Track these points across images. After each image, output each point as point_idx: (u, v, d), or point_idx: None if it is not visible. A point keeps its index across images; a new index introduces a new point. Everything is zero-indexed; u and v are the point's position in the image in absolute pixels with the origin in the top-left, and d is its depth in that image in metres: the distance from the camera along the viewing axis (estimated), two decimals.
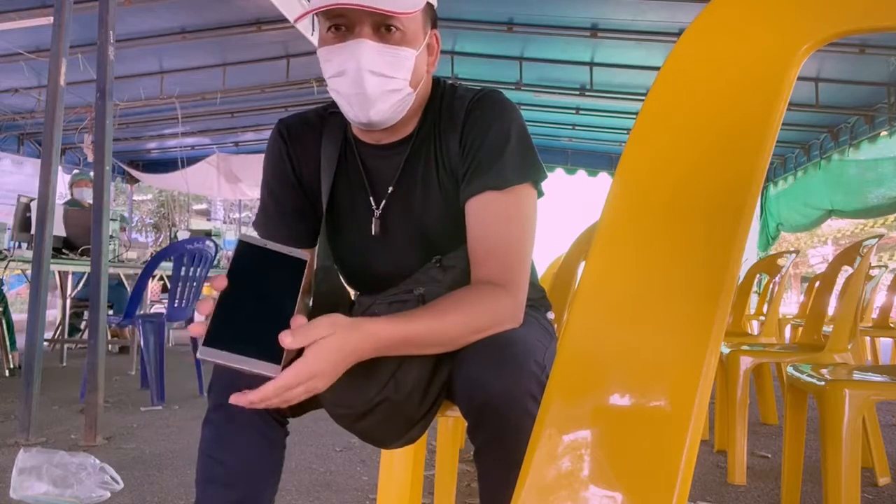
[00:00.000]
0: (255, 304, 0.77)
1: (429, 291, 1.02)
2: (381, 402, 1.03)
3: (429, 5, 1.03)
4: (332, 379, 0.83)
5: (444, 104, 1.08)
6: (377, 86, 0.97)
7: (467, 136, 1.04)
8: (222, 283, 0.76)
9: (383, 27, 0.96)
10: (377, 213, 1.09)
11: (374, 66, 0.96)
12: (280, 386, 0.78)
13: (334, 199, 1.12)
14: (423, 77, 1.05)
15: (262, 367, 0.75)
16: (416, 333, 0.89)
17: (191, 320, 3.85)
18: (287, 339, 0.78)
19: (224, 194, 9.91)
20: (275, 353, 0.76)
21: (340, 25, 0.97)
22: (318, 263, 1.11)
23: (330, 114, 1.15)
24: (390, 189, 1.09)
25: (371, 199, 1.10)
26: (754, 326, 4.80)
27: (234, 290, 0.77)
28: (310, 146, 1.14)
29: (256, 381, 0.77)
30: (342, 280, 1.10)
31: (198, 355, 0.75)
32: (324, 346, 0.80)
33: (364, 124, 1.03)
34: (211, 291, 0.81)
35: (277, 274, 0.79)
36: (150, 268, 3.70)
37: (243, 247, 0.79)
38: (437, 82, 1.12)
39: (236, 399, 0.78)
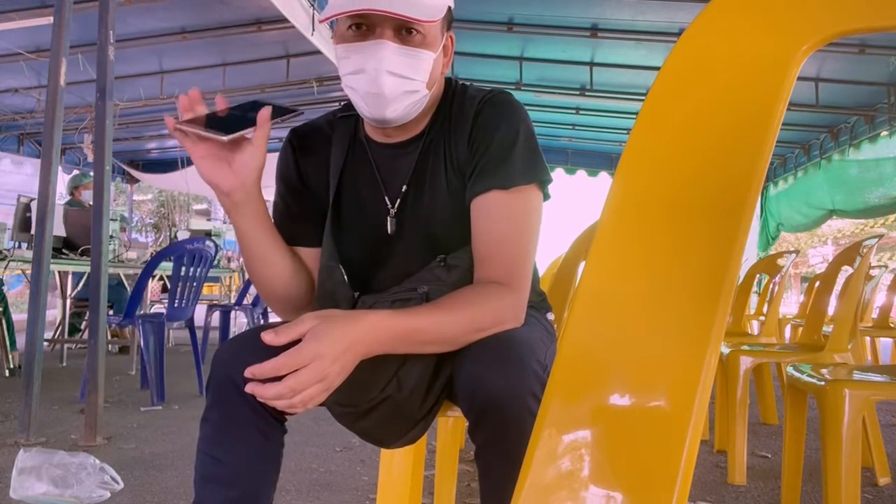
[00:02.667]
0: (230, 112, 0.97)
1: (433, 290, 1.02)
2: (383, 401, 1.03)
3: (448, 8, 1.04)
4: (343, 368, 0.84)
5: (455, 104, 1.09)
6: (395, 86, 0.98)
7: (476, 137, 1.05)
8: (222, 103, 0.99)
9: (404, 30, 0.98)
10: (392, 211, 1.10)
11: (393, 67, 0.97)
12: (282, 364, 0.79)
13: (341, 199, 1.13)
14: (439, 78, 1.07)
15: (213, 133, 0.91)
16: (419, 328, 0.90)
17: (191, 320, 3.85)
18: (269, 336, 0.80)
19: None
20: (231, 128, 0.93)
21: (362, 24, 0.98)
22: (322, 263, 1.11)
23: (339, 118, 1.16)
24: (404, 187, 1.09)
25: (385, 197, 1.11)
26: (754, 326, 4.80)
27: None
28: (320, 152, 1.15)
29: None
30: (345, 279, 1.10)
31: (175, 124, 0.92)
32: (319, 331, 0.82)
33: (378, 122, 1.04)
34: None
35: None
36: (150, 268, 3.70)
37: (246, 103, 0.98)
38: (448, 82, 1.13)
39: (252, 389, 0.81)
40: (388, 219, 1.10)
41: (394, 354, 0.92)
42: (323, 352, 0.81)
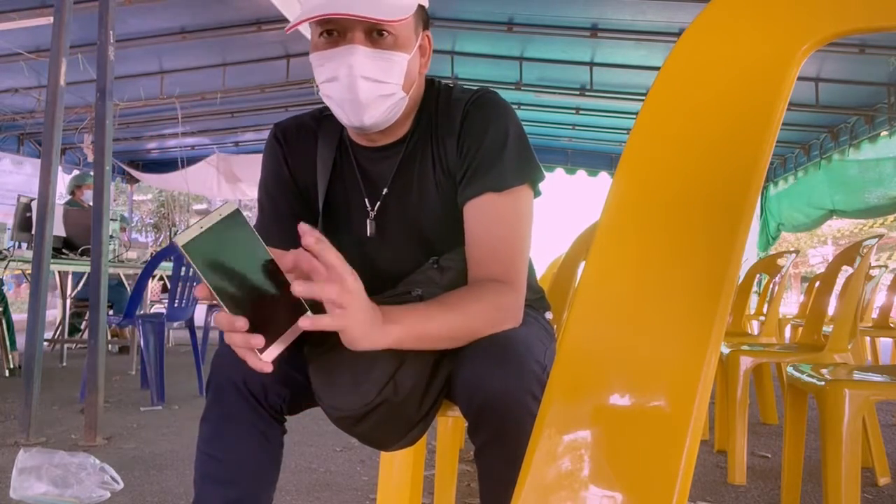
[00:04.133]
0: (249, 284, 0.73)
1: (426, 293, 1.02)
2: (380, 405, 1.02)
3: (420, 7, 1.02)
4: (362, 317, 0.77)
5: (441, 106, 1.08)
6: (370, 91, 0.97)
7: (465, 139, 1.04)
8: (203, 291, 0.72)
9: (375, 32, 0.96)
10: (372, 214, 1.09)
11: (366, 71, 0.96)
12: (335, 260, 0.73)
13: (329, 202, 1.12)
14: (416, 79, 1.05)
15: (302, 323, 0.74)
16: (428, 325, 0.88)
17: (191, 320, 3.84)
18: (310, 239, 0.73)
19: (224, 194, 9.92)
20: (297, 308, 0.75)
21: (332, 31, 0.97)
22: None
23: (325, 116, 1.15)
24: (385, 190, 1.09)
25: (366, 200, 1.10)
26: (754, 326, 4.80)
27: (221, 289, 0.72)
28: (306, 149, 1.14)
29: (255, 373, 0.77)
30: None
31: (265, 361, 0.74)
32: (354, 287, 0.76)
33: (357, 128, 1.03)
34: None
35: (234, 240, 0.73)
36: (150, 268, 3.70)
37: (188, 246, 0.71)
38: (430, 83, 1.12)
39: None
40: (368, 221, 1.09)
41: (390, 358, 0.91)
42: (354, 288, 0.76)
